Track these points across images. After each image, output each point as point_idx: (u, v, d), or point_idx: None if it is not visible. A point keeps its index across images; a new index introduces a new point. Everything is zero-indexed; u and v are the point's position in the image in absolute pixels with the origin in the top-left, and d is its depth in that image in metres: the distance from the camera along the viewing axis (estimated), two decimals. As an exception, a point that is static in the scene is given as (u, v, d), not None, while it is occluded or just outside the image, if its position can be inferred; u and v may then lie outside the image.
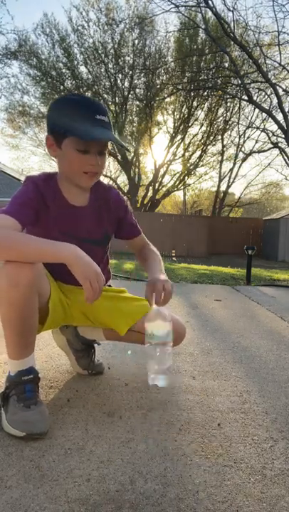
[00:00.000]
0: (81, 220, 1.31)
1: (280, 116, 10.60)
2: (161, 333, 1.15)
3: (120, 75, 16.72)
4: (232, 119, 18.15)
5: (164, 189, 19.30)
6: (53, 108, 1.21)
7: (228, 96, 14.88)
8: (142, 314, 1.36)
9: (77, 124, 1.13)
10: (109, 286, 1.50)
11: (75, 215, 1.29)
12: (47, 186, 1.24)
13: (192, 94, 16.15)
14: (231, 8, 9.99)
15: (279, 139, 13.30)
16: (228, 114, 18.08)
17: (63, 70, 16.67)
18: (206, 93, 15.58)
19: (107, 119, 1.18)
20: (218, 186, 20.95)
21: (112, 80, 16.70)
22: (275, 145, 13.37)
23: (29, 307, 1.08)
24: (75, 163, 1.19)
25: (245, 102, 15.46)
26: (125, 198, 1.47)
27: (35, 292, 1.10)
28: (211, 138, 18.34)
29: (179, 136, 18.08)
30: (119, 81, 16.83)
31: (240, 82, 10.78)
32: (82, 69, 16.89)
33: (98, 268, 1.07)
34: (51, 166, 20.14)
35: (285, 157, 12.83)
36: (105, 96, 17.07)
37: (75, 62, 16.61)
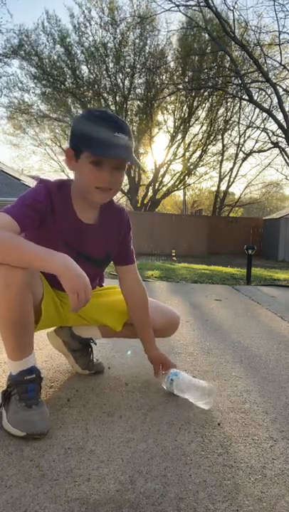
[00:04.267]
0: (85, 237, 1.28)
1: (280, 116, 10.61)
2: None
3: (121, 75, 16.72)
4: (232, 118, 18.18)
5: (164, 189, 19.30)
6: (76, 122, 1.19)
7: (229, 95, 14.87)
8: None
9: (94, 139, 1.11)
10: (101, 285, 1.52)
11: (81, 230, 1.27)
12: (59, 194, 1.22)
13: (193, 93, 16.14)
14: (232, 8, 10.03)
15: (279, 139, 13.31)
16: (229, 113, 18.11)
17: (64, 69, 16.66)
18: (206, 93, 15.58)
19: (127, 137, 1.14)
20: (218, 186, 20.97)
21: (112, 79, 16.69)
22: (275, 145, 13.36)
23: (23, 307, 1.08)
24: (88, 177, 1.16)
25: (245, 102, 15.47)
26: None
27: (29, 292, 1.09)
28: (212, 137, 18.34)
29: (180, 136, 18.09)
30: (119, 80, 16.83)
31: (240, 81, 10.78)
32: (83, 68, 16.91)
33: (87, 280, 1.05)
34: (51, 165, 20.17)
35: (285, 157, 12.84)
36: (106, 95, 17.07)
37: (76, 62, 16.60)
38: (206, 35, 13.21)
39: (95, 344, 1.52)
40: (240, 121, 17.97)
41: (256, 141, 18.29)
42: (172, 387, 1.33)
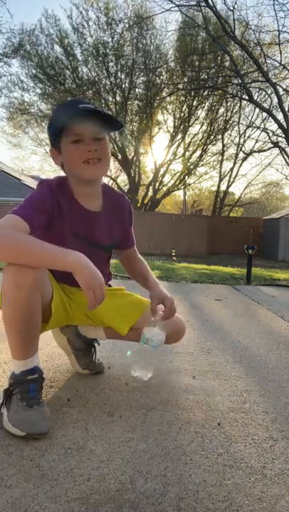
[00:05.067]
0: (94, 225, 1.31)
1: (280, 116, 10.60)
2: (155, 340, 1.28)
3: (120, 74, 16.72)
4: (232, 118, 18.18)
5: (164, 189, 19.30)
6: (48, 120, 1.25)
7: (229, 95, 14.86)
8: (142, 313, 1.40)
9: (62, 117, 1.16)
10: (109, 285, 1.51)
11: (89, 219, 1.29)
12: (61, 190, 1.24)
13: (192, 93, 16.15)
14: (231, 8, 10.00)
15: (279, 139, 13.31)
16: (229, 113, 18.11)
17: (64, 70, 16.66)
18: (206, 92, 15.58)
19: (94, 106, 1.17)
20: (219, 186, 20.96)
21: (112, 79, 16.69)
22: (275, 144, 13.36)
23: (32, 308, 1.08)
24: (73, 156, 1.19)
25: (245, 102, 15.47)
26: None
27: (39, 293, 1.10)
28: (212, 137, 18.34)
29: (180, 136, 18.09)
30: (119, 80, 16.82)
31: (240, 81, 10.77)
32: (83, 68, 16.91)
33: (102, 278, 1.07)
34: (51, 165, 20.15)
35: (285, 156, 12.84)
36: (105, 95, 17.06)
37: (76, 62, 16.60)
38: (206, 35, 13.20)
39: (99, 344, 1.52)
40: (240, 121, 18.00)
41: (256, 141, 18.31)
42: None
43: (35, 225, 1.12)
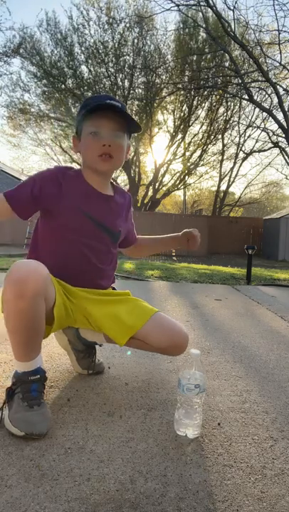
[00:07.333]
0: (106, 208, 1.35)
1: (280, 116, 10.59)
2: (198, 383, 1.08)
3: (120, 74, 16.71)
4: (232, 118, 18.16)
5: (165, 188, 19.29)
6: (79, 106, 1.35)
7: (229, 95, 14.86)
8: (142, 324, 1.29)
9: (88, 105, 1.24)
10: (114, 288, 1.49)
11: (102, 201, 1.34)
12: (69, 171, 1.31)
13: (192, 93, 16.13)
14: (232, 7, 9.99)
15: (279, 139, 13.30)
16: (229, 113, 18.08)
17: (64, 69, 16.67)
18: (206, 92, 15.58)
19: (120, 105, 1.24)
20: (219, 186, 20.96)
21: (112, 79, 16.69)
22: (276, 144, 13.36)
23: (36, 316, 1.07)
24: (89, 147, 1.25)
25: (245, 102, 15.46)
26: None
27: (42, 301, 1.09)
28: (212, 137, 18.33)
29: (180, 136, 18.07)
30: (119, 80, 16.82)
31: (240, 81, 10.76)
32: (83, 68, 16.92)
33: None
34: (51, 165, 20.08)
35: (286, 156, 12.82)
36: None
37: (76, 62, 16.61)
38: (206, 35, 13.19)
39: (100, 346, 1.51)
40: (240, 121, 17.98)
41: (256, 141, 18.31)
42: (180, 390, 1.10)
43: (21, 200, 1.23)
